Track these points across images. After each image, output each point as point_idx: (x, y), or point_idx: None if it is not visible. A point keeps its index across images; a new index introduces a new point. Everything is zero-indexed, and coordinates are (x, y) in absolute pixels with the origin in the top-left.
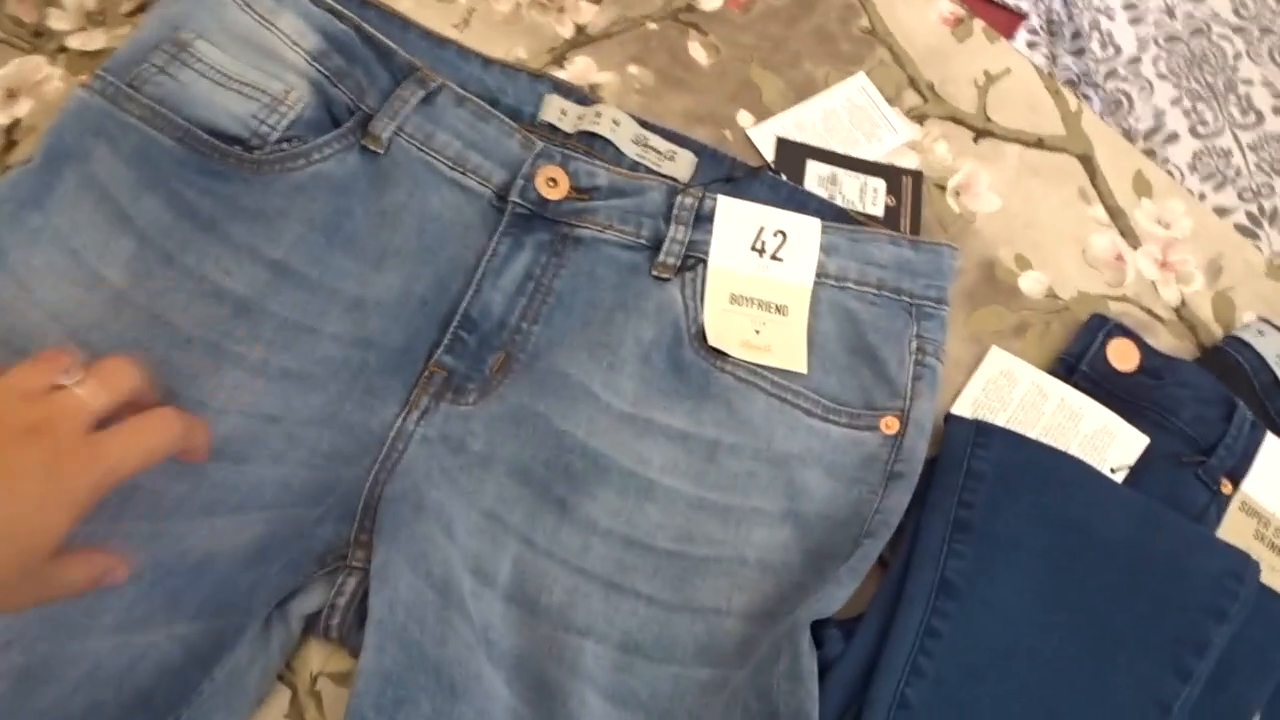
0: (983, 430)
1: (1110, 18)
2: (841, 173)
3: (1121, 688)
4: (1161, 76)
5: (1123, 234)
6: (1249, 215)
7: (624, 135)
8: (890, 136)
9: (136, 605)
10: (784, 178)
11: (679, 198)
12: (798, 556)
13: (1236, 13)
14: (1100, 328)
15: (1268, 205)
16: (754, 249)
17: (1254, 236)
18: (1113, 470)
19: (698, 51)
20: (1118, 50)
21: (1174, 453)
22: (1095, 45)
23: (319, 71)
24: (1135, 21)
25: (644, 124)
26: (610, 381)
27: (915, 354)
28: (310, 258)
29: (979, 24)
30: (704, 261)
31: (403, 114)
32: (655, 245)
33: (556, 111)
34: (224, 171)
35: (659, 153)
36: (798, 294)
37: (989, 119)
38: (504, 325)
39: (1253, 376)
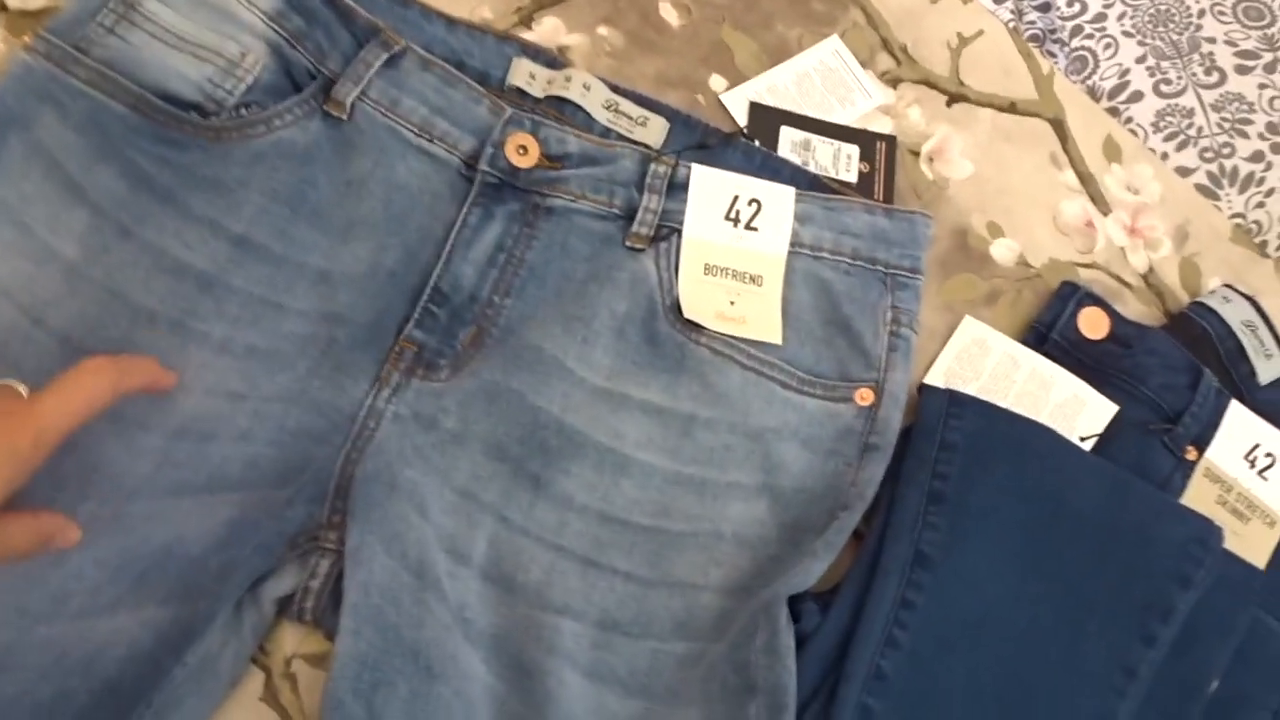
0: (956, 401)
1: None
2: (815, 138)
3: (1090, 654)
4: (1127, 34)
5: (1093, 200)
6: (1209, 175)
7: (595, 100)
8: (864, 101)
9: (102, 590)
10: (757, 144)
11: (652, 166)
12: (774, 530)
13: None
14: (1071, 296)
15: (1228, 165)
16: (728, 218)
17: (1214, 197)
18: (1082, 438)
19: (668, 12)
20: (1084, 7)
21: (1142, 420)
22: (1061, 1)
23: (277, 33)
24: None
25: (615, 88)
26: (584, 355)
27: (890, 325)
28: (274, 230)
29: None
30: (678, 231)
31: (366, 78)
32: (628, 215)
33: (525, 75)
34: (180, 139)
35: (630, 118)
36: (772, 264)
37: (962, 83)
38: (475, 298)
39: (1218, 343)
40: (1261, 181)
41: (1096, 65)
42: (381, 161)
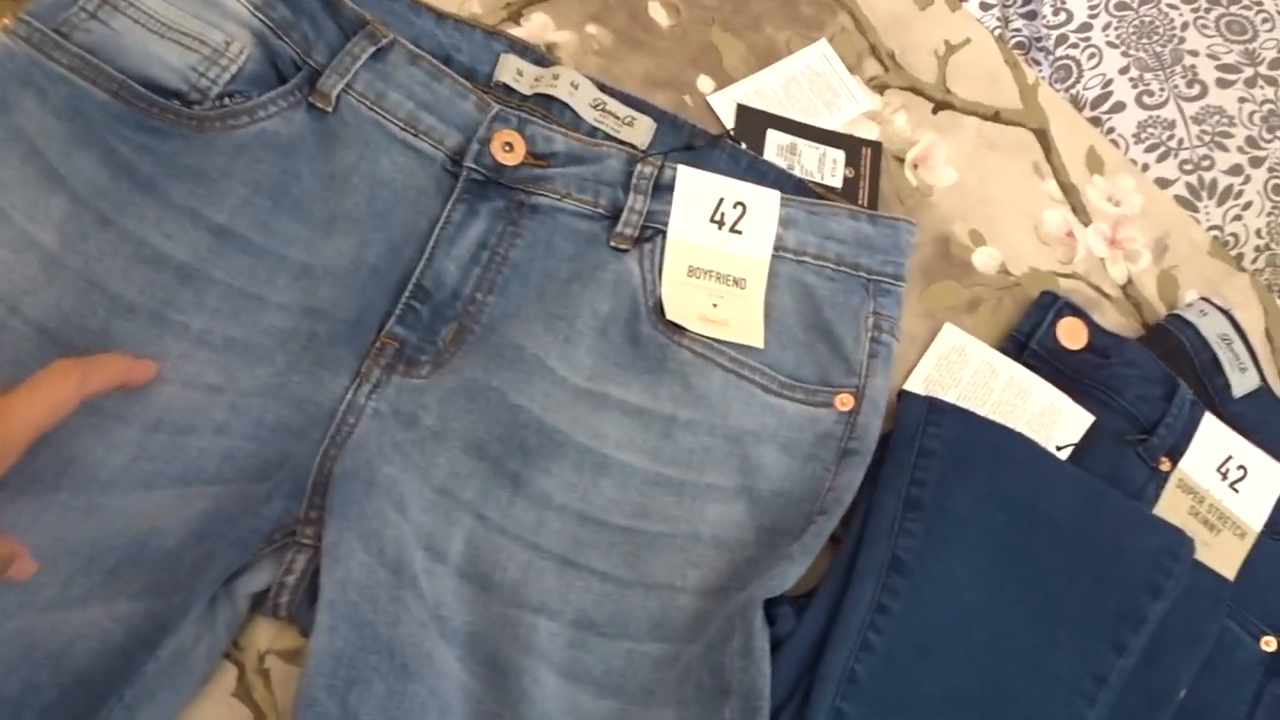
0: (935, 408)
1: None
2: (801, 143)
3: (1062, 661)
4: (1111, 44)
5: (1074, 211)
6: (1189, 187)
7: (582, 99)
8: (850, 106)
9: (74, 583)
10: (744, 147)
11: (638, 166)
12: (751, 533)
13: None
14: (1050, 306)
15: (1207, 177)
16: (713, 221)
17: (1193, 209)
18: (1058, 448)
19: (658, 12)
20: (1069, 16)
21: (1117, 430)
22: (1048, 10)
23: (262, 22)
24: None
25: (602, 87)
26: (566, 355)
27: (871, 331)
28: (255, 222)
29: None
30: (662, 232)
31: (352, 71)
32: (613, 215)
33: (512, 72)
34: (162, 128)
35: (617, 118)
36: (756, 267)
37: (948, 90)
38: (458, 296)
39: (1194, 355)
40: (1239, 194)
41: (1080, 75)
42: (366, 155)
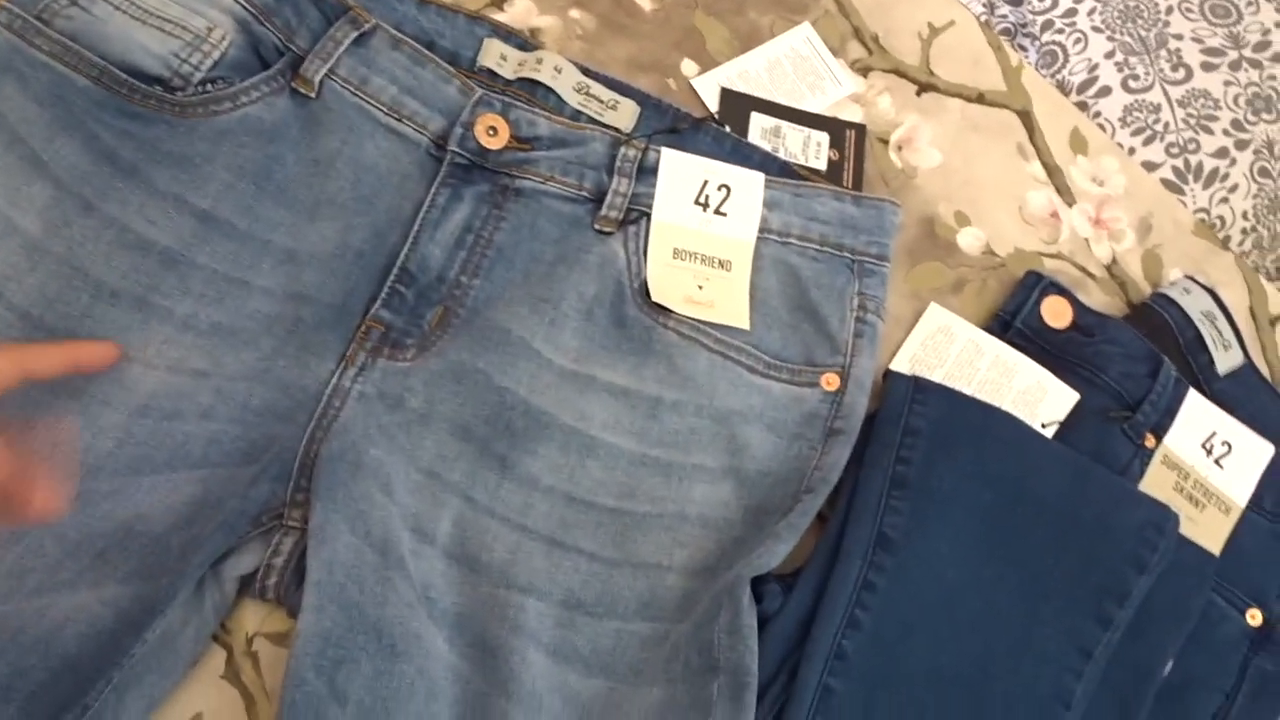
0: (921, 387)
1: None
2: (785, 125)
3: (1048, 637)
4: (1096, 29)
5: (1059, 191)
6: (1175, 170)
7: (565, 83)
8: (834, 89)
9: (61, 567)
10: (728, 129)
11: (622, 149)
12: (738, 512)
13: None
14: (1035, 285)
15: (1193, 160)
16: (698, 203)
17: (1179, 191)
18: (1043, 425)
19: None
20: (1054, 2)
21: (1102, 408)
22: None
23: (244, 8)
24: None
25: (586, 71)
26: (552, 337)
27: (856, 311)
28: (239, 207)
29: None
30: (647, 215)
31: (335, 56)
32: (597, 198)
33: (496, 56)
34: (144, 114)
35: (601, 102)
36: (741, 249)
37: (932, 72)
38: (443, 279)
39: (1178, 333)
40: (1225, 177)
41: (1066, 60)
42: (350, 140)
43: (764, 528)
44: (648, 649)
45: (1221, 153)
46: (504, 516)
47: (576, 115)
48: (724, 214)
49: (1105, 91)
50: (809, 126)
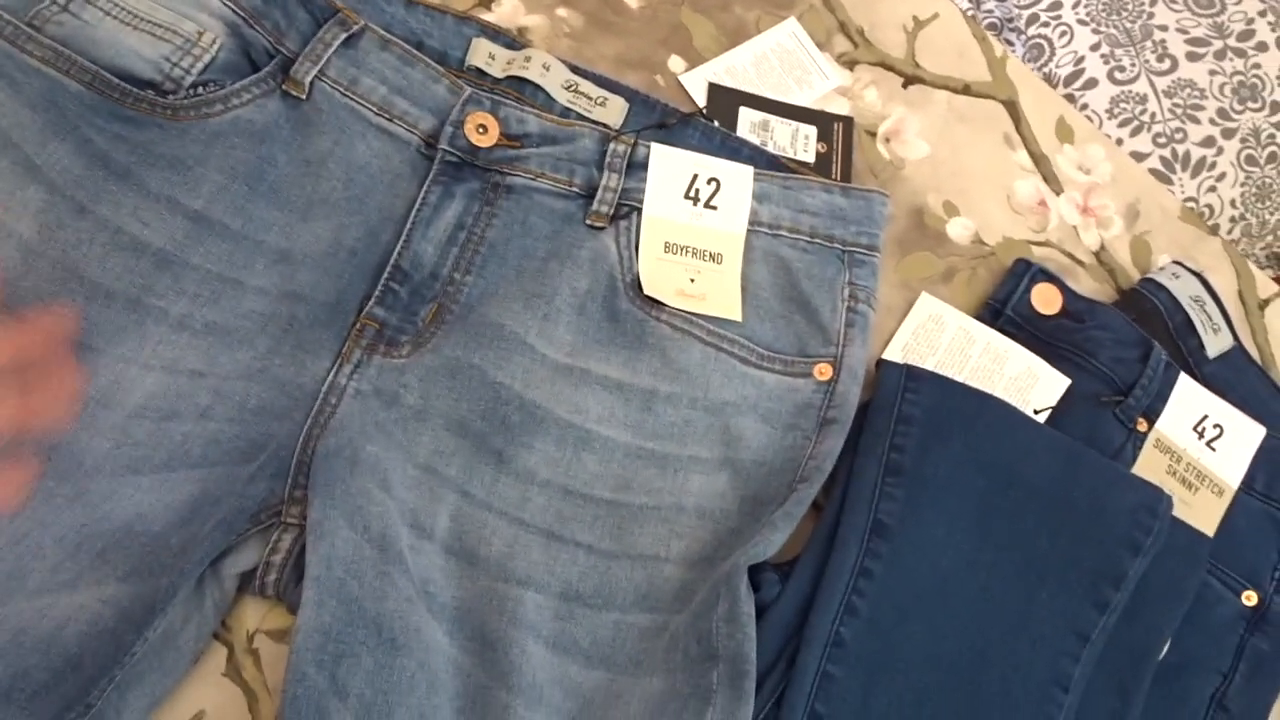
0: (913, 375)
1: None
2: (773, 119)
3: (1044, 620)
4: (1081, 22)
5: (1046, 180)
6: (1163, 160)
7: (554, 81)
8: (821, 82)
9: (61, 567)
10: (716, 124)
11: (611, 145)
12: (734, 503)
13: None
14: (1024, 272)
15: (1180, 150)
16: (688, 197)
17: (1168, 181)
18: (1035, 411)
19: None
20: None
21: (1094, 393)
22: None
23: (234, 12)
24: None
25: (574, 69)
26: (546, 332)
27: (848, 301)
28: (232, 208)
29: None
30: (637, 210)
31: (324, 57)
32: (588, 194)
33: (484, 55)
34: (136, 118)
35: (590, 99)
36: (731, 242)
37: (918, 65)
38: (436, 276)
39: (1167, 317)
40: (1213, 166)
41: (1053, 53)
42: (341, 140)
43: (760, 517)
44: (647, 639)
45: (1208, 142)
46: (501, 510)
47: (566, 112)
48: (714, 207)
49: (1092, 83)
50: (797, 120)
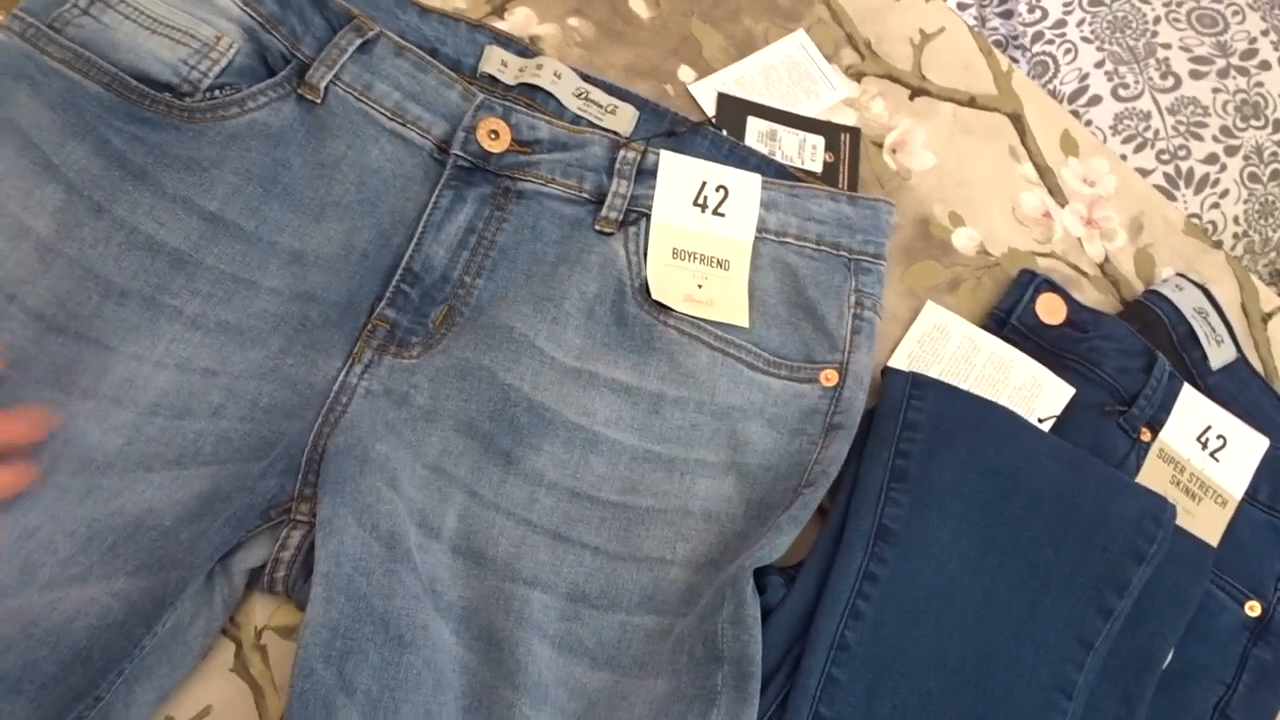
0: (918, 382)
1: None
2: (781, 129)
3: (1048, 627)
4: (1086, 40)
5: (1051, 192)
6: (1166, 176)
7: (565, 88)
8: (828, 93)
9: (72, 561)
10: (725, 133)
11: (621, 152)
12: (740, 506)
13: None
14: (1029, 283)
15: (1184, 166)
16: (696, 204)
17: (1171, 198)
18: (1040, 419)
19: (638, 4)
20: (1044, 13)
21: (1098, 403)
22: (1023, 7)
23: (251, 17)
24: None
25: (585, 77)
26: (554, 335)
27: (854, 308)
28: (246, 209)
29: None
30: (646, 216)
31: (340, 63)
32: (598, 199)
33: (497, 63)
34: (154, 119)
35: (600, 106)
36: (739, 249)
37: (924, 77)
38: (447, 278)
39: (1171, 329)
40: (1216, 183)
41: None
42: (354, 144)
43: (766, 521)
44: (652, 641)
45: (1211, 159)
46: (509, 511)
47: (576, 119)
48: (722, 214)
49: (1096, 100)
50: (804, 130)
